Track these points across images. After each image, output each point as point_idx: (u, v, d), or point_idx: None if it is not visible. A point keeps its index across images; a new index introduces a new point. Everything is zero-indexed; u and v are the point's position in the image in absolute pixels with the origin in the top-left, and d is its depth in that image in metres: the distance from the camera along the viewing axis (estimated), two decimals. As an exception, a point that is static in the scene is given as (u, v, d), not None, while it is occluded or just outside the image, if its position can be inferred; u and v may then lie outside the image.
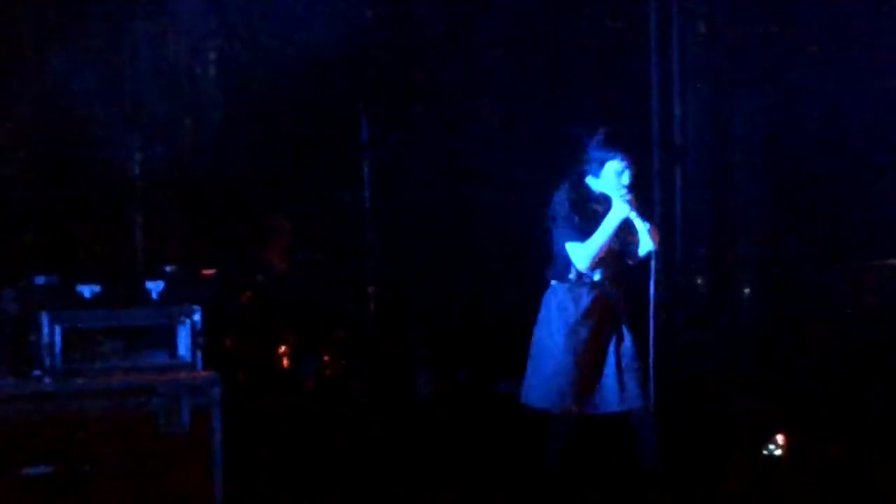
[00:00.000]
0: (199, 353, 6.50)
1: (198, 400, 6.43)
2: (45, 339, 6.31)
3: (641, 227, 6.63)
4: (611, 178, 6.66)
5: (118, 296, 6.54)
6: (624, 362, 6.74)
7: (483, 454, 8.00)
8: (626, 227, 6.67)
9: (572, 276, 6.73)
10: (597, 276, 6.75)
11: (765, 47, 9.89)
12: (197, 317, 6.51)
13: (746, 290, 9.98)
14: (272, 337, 9.21)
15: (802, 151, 9.76)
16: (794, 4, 9.83)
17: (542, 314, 6.87)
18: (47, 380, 6.30)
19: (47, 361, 6.29)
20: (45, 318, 6.31)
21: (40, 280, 6.56)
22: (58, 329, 6.33)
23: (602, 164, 6.67)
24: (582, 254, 6.63)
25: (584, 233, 6.62)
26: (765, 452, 7.42)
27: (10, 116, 8.90)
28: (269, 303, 9.25)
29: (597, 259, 6.65)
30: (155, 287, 6.57)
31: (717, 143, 10.18)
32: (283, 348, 9.23)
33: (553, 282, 6.85)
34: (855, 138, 9.71)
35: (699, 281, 10.19)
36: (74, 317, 6.41)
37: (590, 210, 6.69)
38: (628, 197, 6.60)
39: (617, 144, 6.69)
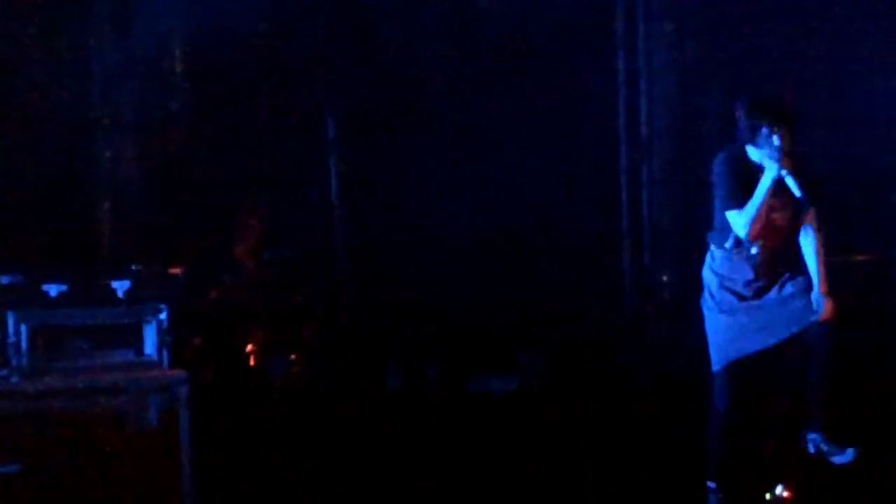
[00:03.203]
0: (166, 352, 6.49)
1: (165, 398, 6.43)
2: (12, 337, 6.30)
3: (793, 187, 6.55)
4: (763, 143, 6.59)
5: (85, 294, 6.53)
6: (785, 293, 6.71)
7: (454, 448, 8.02)
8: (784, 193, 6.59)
9: (729, 244, 6.70)
10: (754, 250, 6.68)
11: (732, 43, 9.93)
12: (163, 315, 6.50)
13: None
14: (241, 335, 9.21)
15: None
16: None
17: (704, 279, 6.86)
18: (14, 378, 6.29)
19: (14, 360, 6.28)
20: (11, 318, 6.29)
21: (5, 279, 6.55)
22: (24, 328, 6.32)
23: (753, 130, 6.61)
24: (740, 221, 6.58)
25: (742, 200, 6.56)
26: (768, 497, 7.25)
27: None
28: (238, 301, 9.24)
29: (755, 226, 6.57)
30: (121, 286, 6.57)
31: (684, 140, 10.22)
32: (251, 346, 9.23)
33: (712, 247, 6.84)
34: (822, 134, 9.75)
35: (665, 278, 10.24)
36: (41, 316, 6.40)
37: (747, 177, 6.61)
38: (778, 158, 6.53)
39: (765, 109, 6.63)
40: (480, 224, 10.05)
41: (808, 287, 6.69)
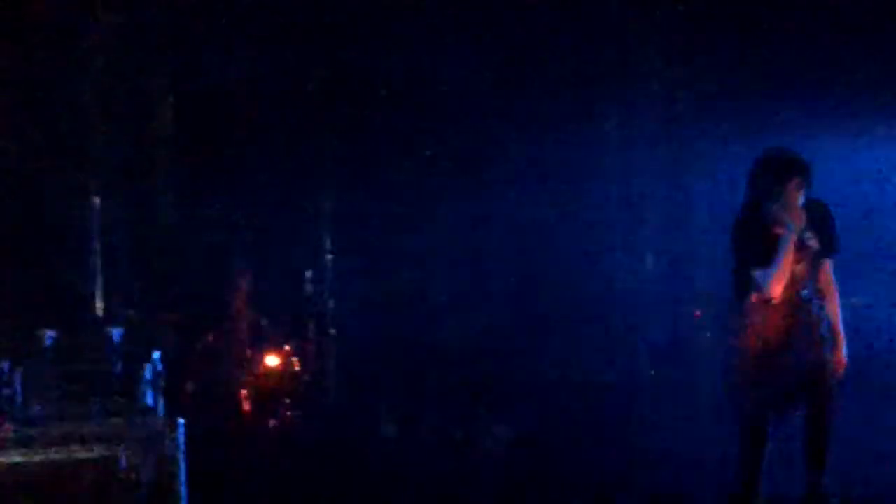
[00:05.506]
0: (160, 399, 6.47)
1: (160, 446, 6.40)
2: (5, 385, 6.28)
3: (811, 240, 6.67)
4: (778, 199, 6.65)
5: (78, 342, 6.51)
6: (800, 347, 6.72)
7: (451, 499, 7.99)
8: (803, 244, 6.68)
9: (752, 298, 6.72)
10: (775, 301, 6.70)
11: (719, 99, 9.98)
12: (157, 362, 6.49)
13: (708, 334, 10.11)
14: (234, 381, 9.19)
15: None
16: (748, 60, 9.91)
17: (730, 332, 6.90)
18: (7, 425, 6.26)
19: (7, 408, 6.26)
20: (5, 366, 6.27)
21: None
22: (17, 376, 6.29)
23: (767, 188, 6.68)
24: (765, 279, 6.63)
25: (765, 257, 6.63)
26: None
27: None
28: (231, 347, 9.24)
29: (779, 282, 6.63)
30: (115, 333, 6.55)
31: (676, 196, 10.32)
32: (245, 392, 9.22)
33: (736, 301, 6.85)
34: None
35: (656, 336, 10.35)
36: (35, 363, 6.38)
37: (766, 234, 6.65)
38: (795, 214, 6.61)
39: (782, 167, 6.68)
40: (463, 272, 10.10)
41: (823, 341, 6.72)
